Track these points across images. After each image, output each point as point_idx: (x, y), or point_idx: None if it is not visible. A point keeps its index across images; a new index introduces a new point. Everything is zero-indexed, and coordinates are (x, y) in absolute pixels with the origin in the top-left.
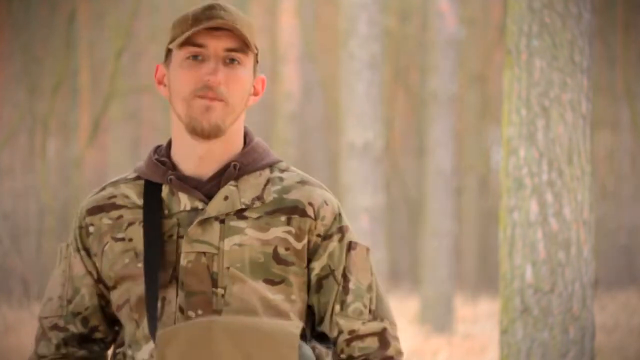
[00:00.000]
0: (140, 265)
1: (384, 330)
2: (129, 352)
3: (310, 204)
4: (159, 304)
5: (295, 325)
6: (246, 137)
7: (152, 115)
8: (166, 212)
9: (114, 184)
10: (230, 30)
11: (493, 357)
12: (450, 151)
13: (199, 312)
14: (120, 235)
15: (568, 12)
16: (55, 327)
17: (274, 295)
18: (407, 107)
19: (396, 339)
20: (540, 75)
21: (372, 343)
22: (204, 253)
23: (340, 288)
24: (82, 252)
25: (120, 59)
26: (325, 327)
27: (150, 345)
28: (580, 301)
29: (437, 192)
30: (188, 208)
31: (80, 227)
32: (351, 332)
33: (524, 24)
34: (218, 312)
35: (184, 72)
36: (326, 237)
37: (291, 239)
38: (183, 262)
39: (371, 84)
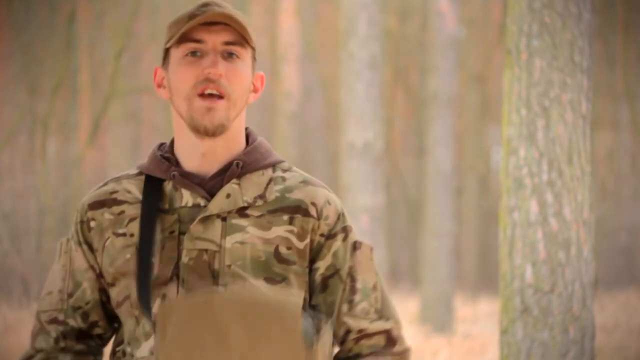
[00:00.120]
0: None
1: (391, 329)
2: (128, 350)
3: (313, 203)
4: (159, 301)
5: (297, 294)
6: (249, 136)
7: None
8: (167, 206)
9: (116, 179)
10: (227, 24)
11: (493, 357)
12: (450, 151)
13: None
14: (121, 231)
15: (568, 12)
16: (54, 320)
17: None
18: (407, 107)
19: (402, 336)
20: (540, 75)
21: (380, 341)
22: (206, 250)
23: (348, 288)
24: (85, 247)
25: (120, 59)
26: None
27: (150, 342)
28: (580, 301)
29: (437, 192)
30: (190, 204)
31: (82, 222)
32: (360, 331)
33: (524, 24)
34: None
35: (184, 69)
36: (330, 236)
37: (293, 238)
38: (184, 259)
39: (371, 84)
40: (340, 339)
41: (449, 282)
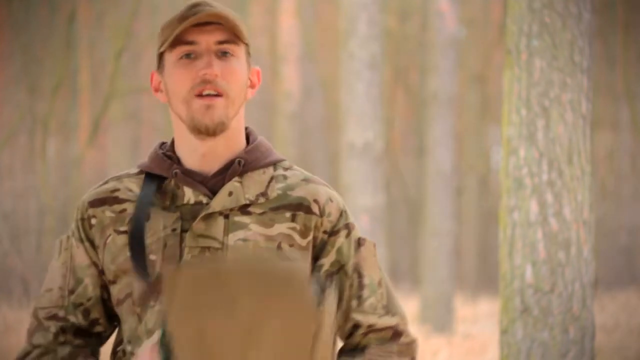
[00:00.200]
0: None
1: (397, 324)
2: (129, 348)
3: (315, 201)
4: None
5: (304, 262)
6: (250, 135)
7: (152, 115)
8: (169, 204)
9: (117, 178)
10: (219, 24)
11: (493, 357)
12: (450, 151)
13: None
14: (123, 228)
15: (568, 12)
16: (54, 317)
17: None
18: (407, 107)
19: (409, 330)
20: (540, 75)
21: (388, 334)
22: (208, 248)
23: (356, 283)
24: (87, 244)
25: (120, 59)
26: (337, 321)
27: (151, 341)
28: (580, 301)
29: (437, 192)
30: (192, 202)
31: (82, 219)
32: (369, 326)
33: (524, 24)
34: None
35: (179, 71)
36: (332, 233)
37: (295, 236)
38: (187, 256)
39: (371, 84)
40: (347, 333)
41: (449, 282)
